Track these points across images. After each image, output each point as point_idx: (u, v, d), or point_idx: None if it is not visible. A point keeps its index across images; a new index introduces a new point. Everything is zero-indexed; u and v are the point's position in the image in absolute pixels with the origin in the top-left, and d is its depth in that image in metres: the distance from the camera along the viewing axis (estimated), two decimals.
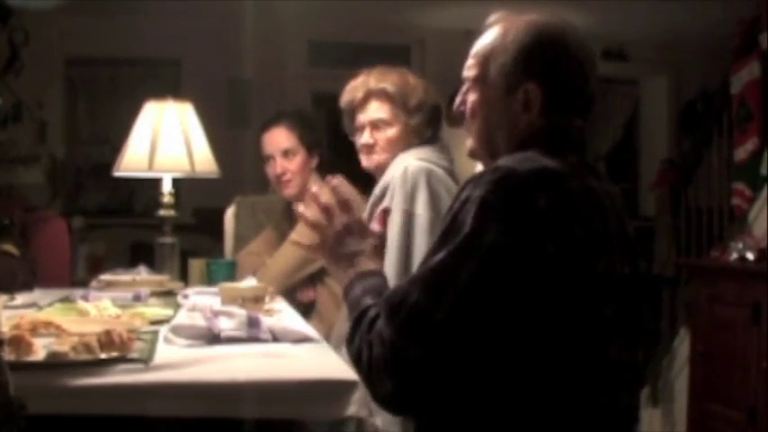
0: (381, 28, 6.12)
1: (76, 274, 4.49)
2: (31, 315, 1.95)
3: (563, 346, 1.25)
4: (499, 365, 1.25)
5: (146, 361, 1.58)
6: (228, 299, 2.14)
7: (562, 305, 1.25)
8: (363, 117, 2.45)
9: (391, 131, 2.42)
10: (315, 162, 3.04)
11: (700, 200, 4.65)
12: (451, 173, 2.37)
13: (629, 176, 7.03)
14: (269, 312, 2.12)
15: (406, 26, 6.22)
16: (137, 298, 2.43)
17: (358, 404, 1.52)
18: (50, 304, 2.31)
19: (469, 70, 1.46)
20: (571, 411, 1.27)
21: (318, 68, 6.37)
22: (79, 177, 6.48)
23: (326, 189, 1.57)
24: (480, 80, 1.44)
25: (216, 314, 1.88)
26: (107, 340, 1.57)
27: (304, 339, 1.88)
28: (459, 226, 1.26)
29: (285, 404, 1.53)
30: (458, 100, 1.48)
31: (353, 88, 2.47)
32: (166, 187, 2.96)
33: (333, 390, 1.54)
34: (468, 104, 1.46)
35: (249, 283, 2.38)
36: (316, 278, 2.89)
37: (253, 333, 1.85)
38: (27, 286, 2.68)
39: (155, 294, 2.55)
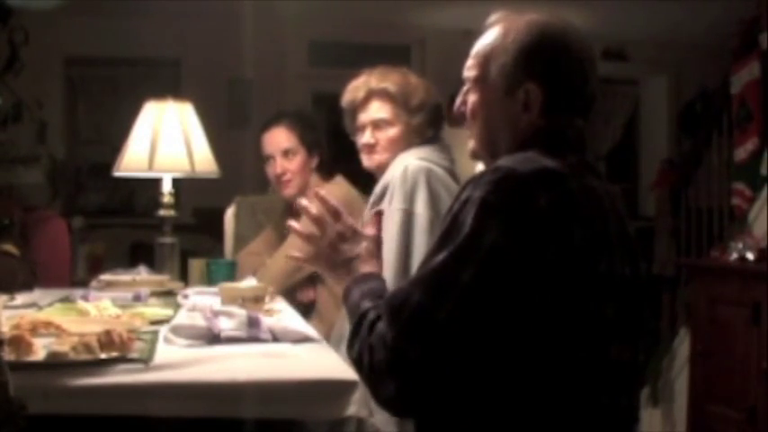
0: (381, 28, 6.12)
1: (76, 274, 4.49)
2: (31, 315, 1.95)
3: (563, 345, 1.26)
4: (500, 365, 1.25)
5: (146, 361, 1.58)
6: (228, 299, 2.14)
7: (562, 305, 1.25)
8: (365, 117, 2.45)
9: (393, 131, 2.42)
10: (315, 162, 3.04)
11: (700, 200, 4.64)
12: (452, 172, 2.37)
13: (629, 176, 7.03)
14: (269, 312, 2.12)
15: (406, 26, 6.22)
16: (137, 298, 2.43)
17: (358, 404, 1.52)
18: (50, 304, 2.31)
19: (470, 71, 1.46)
20: (571, 411, 1.27)
21: (318, 68, 6.37)
22: (79, 177, 6.48)
23: (315, 201, 1.57)
24: (480, 80, 1.44)
25: (216, 314, 1.88)
26: (107, 340, 1.57)
27: (304, 339, 1.88)
28: (460, 226, 1.26)
29: (285, 404, 1.53)
30: (458, 101, 1.48)
31: (355, 88, 2.47)
32: (166, 187, 2.96)
33: (333, 390, 1.54)
34: (469, 105, 1.46)
35: (249, 283, 2.38)
36: (316, 278, 2.89)
37: (253, 333, 1.85)
38: (27, 286, 2.68)
39: (155, 294, 2.55)
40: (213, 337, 1.82)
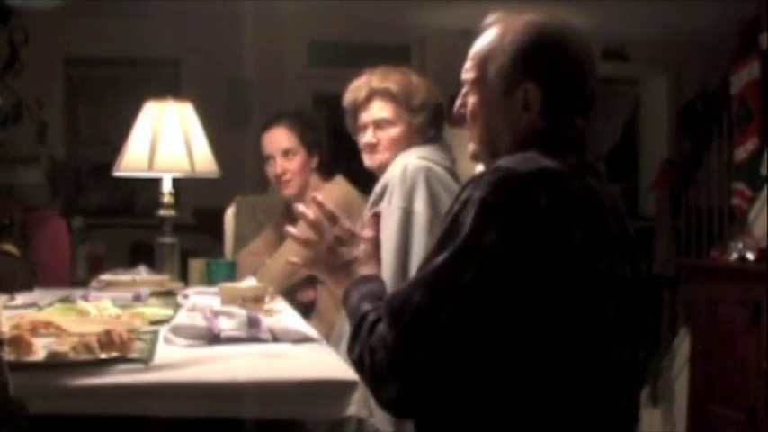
0: (381, 28, 6.12)
1: (76, 274, 4.49)
2: (31, 315, 1.95)
3: (563, 346, 1.26)
4: (500, 365, 1.25)
5: (146, 361, 1.58)
6: (228, 299, 2.14)
7: (563, 305, 1.25)
8: (366, 116, 2.45)
9: (394, 131, 2.42)
10: (315, 162, 3.04)
11: (700, 200, 4.65)
12: (453, 172, 2.37)
13: (629, 176, 7.03)
14: (269, 312, 2.12)
15: (406, 26, 6.22)
16: (137, 298, 2.43)
17: (358, 404, 1.52)
18: (50, 304, 2.31)
19: (468, 72, 1.46)
20: (572, 411, 1.27)
21: (319, 68, 6.37)
22: (79, 177, 6.48)
23: (313, 206, 1.58)
24: (479, 82, 1.44)
25: (216, 314, 1.88)
26: (107, 340, 1.57)
27: (304, 339, 1.88)
28: (460, 227, 1.26)
29: (285, 404, 1.53)
30: (458, 102, 1.48)
31: (356, 88, 2.47)
32: (166, 187, 2.96)
33: (333, 390, 1.54)
34: (468, 107, 1.46)
35: (249, 283, 2.38)
36: (315, 278, 2.88)
37: (253, 333, 1.85)
38: (27, 286, 2.68)
39: (155, 294, 2.55)
40: (213, 337, 1.82)
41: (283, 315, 2.19)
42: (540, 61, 1.39)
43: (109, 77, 6.43)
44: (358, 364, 1.35)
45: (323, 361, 1.72)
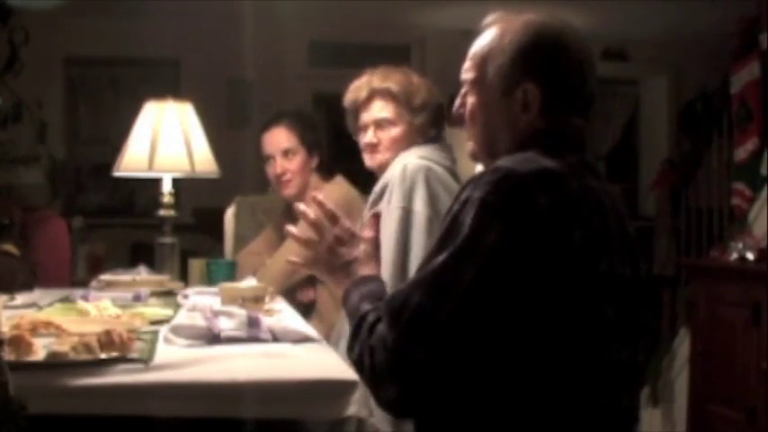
0: (381, 28, 6.12)
1: (76, 274, 4.49)
2: (31, 315, 1.95)
3: (563, 346, 1.26)
4: (500, 366, 1.25)
5: (146, 361, 1.58)
6: (228, 299, 2.14)
7: (563, 305, 1.25)
8: (367, 116, 2.45)
9: (395, 131, 2.42)
10: (315, 162, 3.04)
11: (700, 200, 4.65)
12: (453, 172, 2.37)
13: (629, 176, 7.03)
14: (269, 312, 2.12)
15: (406, 26, 6.22)
16: (137, 298, 2.43)
17: (358, 404, 1.52)
18: (50, 304, 2.31)
19: (467, 73, 1.46)
20: (571, 411, 1.27)
21: (318, 68, 6.37)
22: (79, 177, 6.48)
23: (313, 205, 1.58)
24: (478, 82, 1.44)
25: (216, 314, 1.88)
26: (107, 340, 1.57)
27: (304, 339, 1.88)
28: (460, 227, 1.26)
29: (285, 404, 1.53)
30: (457, 102, 1.48)
31: (357, 87, 2.47)
32: (166, 187, 2.96)
33: (333, 390, 1.54)
34: (468, 107, 1.46)
35: (249, 283, 2.38)
36: (315, 278, 2.88)
37: (253, 333, 1.85)
38: (27, 286, 2.68)
39: (155, 294, 2.55)
40: (213, 337, 1.82)
41: (283, 315, 2.19)
42: (540, 61, 1.39)
43: (109, 77, 6.43)
44: (358, 364, 1.35)
45: (323, 361, 1.72)
